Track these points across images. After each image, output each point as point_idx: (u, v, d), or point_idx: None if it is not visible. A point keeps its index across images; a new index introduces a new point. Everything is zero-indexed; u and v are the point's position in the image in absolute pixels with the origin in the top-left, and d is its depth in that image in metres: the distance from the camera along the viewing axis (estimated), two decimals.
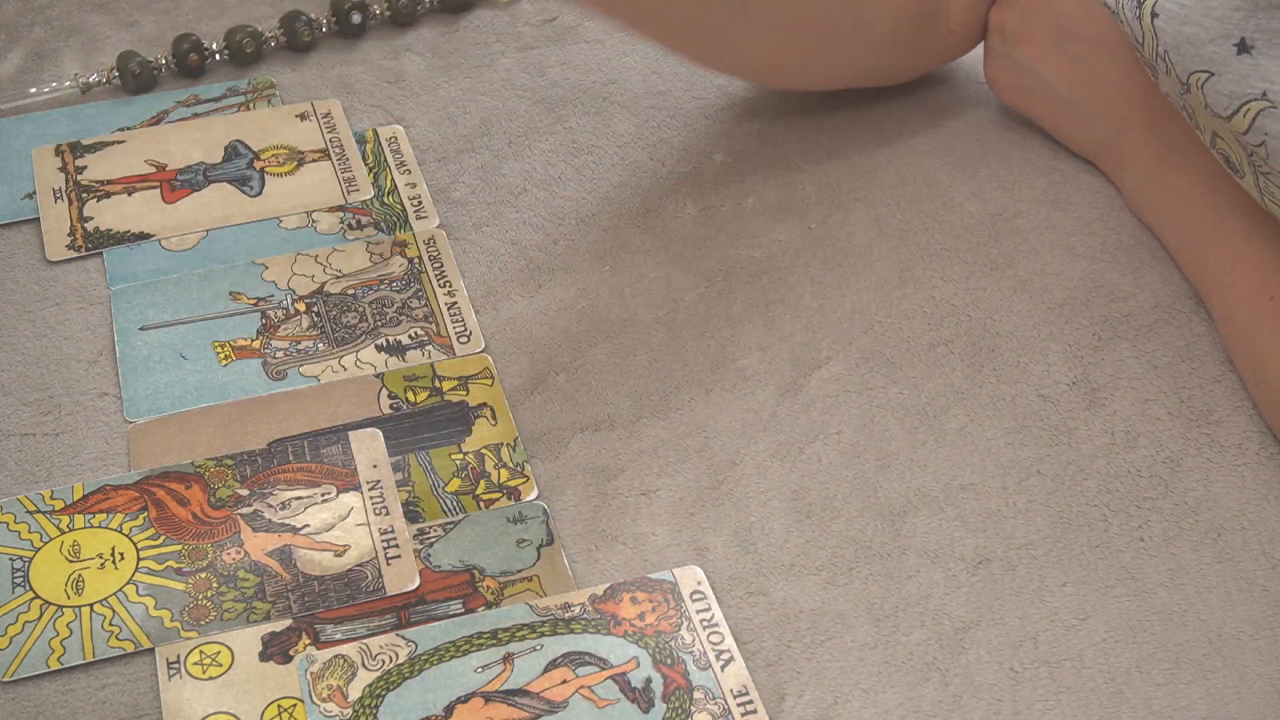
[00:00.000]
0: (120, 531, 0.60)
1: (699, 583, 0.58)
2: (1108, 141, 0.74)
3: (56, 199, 0.74)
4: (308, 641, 0.57)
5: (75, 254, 0.72)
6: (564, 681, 0.55)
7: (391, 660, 0.56)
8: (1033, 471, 0.62)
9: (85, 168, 0.76)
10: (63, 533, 0.60)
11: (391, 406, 0.65)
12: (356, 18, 0.84)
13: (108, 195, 0.75)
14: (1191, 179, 0.68)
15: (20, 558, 0.59)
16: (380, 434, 0.63)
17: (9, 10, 0.86)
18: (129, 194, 0.75)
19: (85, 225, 0.73)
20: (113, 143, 0.77)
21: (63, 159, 0.77)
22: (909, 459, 0.63)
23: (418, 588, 0.58)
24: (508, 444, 0.63)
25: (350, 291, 0.70)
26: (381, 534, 0.60)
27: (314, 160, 0.77)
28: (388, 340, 0.68)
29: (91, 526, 0.60)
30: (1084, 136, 0.75)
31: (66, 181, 0.75)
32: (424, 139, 0.78)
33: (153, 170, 0.76)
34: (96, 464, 0.63)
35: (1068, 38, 0.74)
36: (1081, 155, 0.76)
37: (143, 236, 0.72)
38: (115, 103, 0.80)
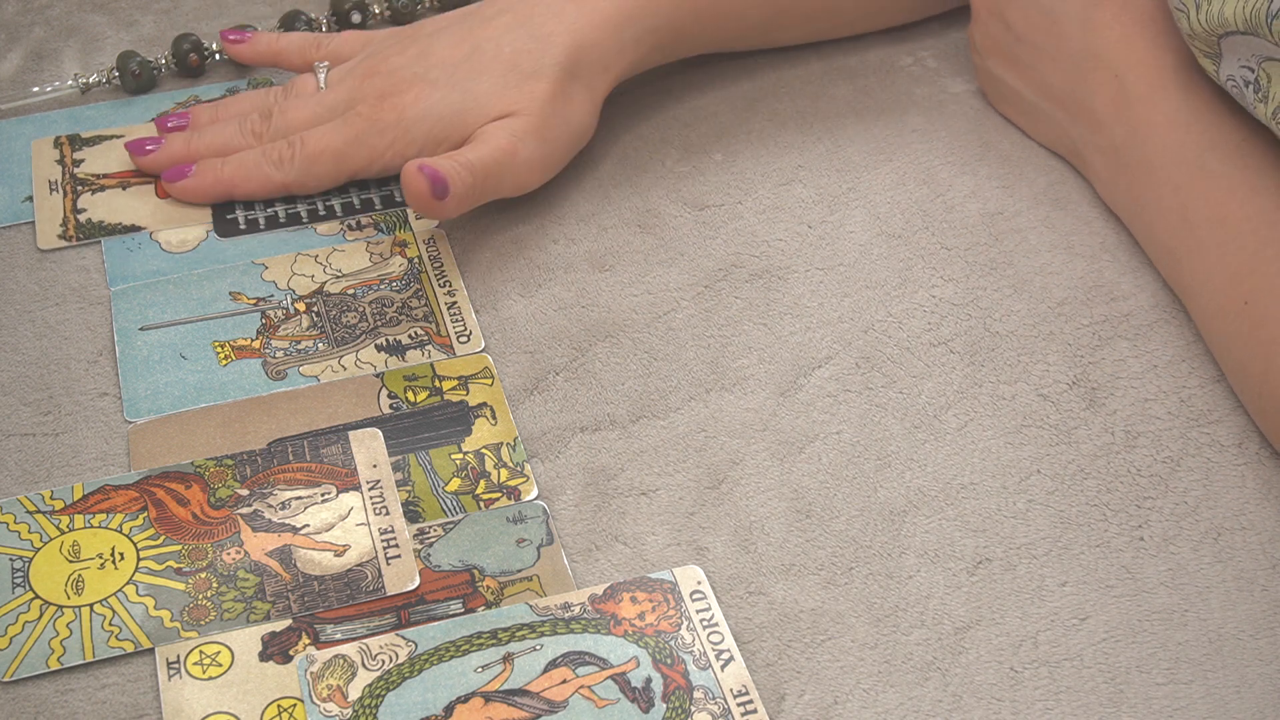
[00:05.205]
0: (120, 531, 0.60)
1: (699, 582, 0.58)
2: (1074, 149, 0.74)
3: (52, 191, 0.74)
4: (308, 641, 0.56)
5: (66, 243, 0.72)
6: (564, 681, 0.55)
7: (391, 660, 0.56)
8: (1032, 471, 0.62)
9: (83, 160, 0.76)
10: (63, 533, 0.60)
11: (391, 406, 0.65)
12: (356, 17, 0.84)
13: (102, 189, 0.75)
14: (1159, 191, 0.67)
15: (20, 558, 0.59)
16: (380, 434, 0.63)
17: (9, 10, 0.86)
18: (123, 188, 0.75)
19: (78, 217, 0.73)
20: (111, 137, 0.77)
21: (60, 151, 0.77)
22: (908, 459, 0.63)
23: (418, 588, 0.58)
24: (508, 444, 0.63)
25: (350, 291, 0.70)
26: (381, 534, 0.60)
27: None
28: (388, 340, 0.68)
29: (91, 526, 0.60)
30: (1059, 142, 0.75)
31: (63, 174, 0.75)
32: None
33: None
34: (96, 464, 0.63)
35: (1018, 45, 0.74)
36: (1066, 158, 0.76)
37: (134, 229, 0.72)
38: (115, 103, 0.80)
